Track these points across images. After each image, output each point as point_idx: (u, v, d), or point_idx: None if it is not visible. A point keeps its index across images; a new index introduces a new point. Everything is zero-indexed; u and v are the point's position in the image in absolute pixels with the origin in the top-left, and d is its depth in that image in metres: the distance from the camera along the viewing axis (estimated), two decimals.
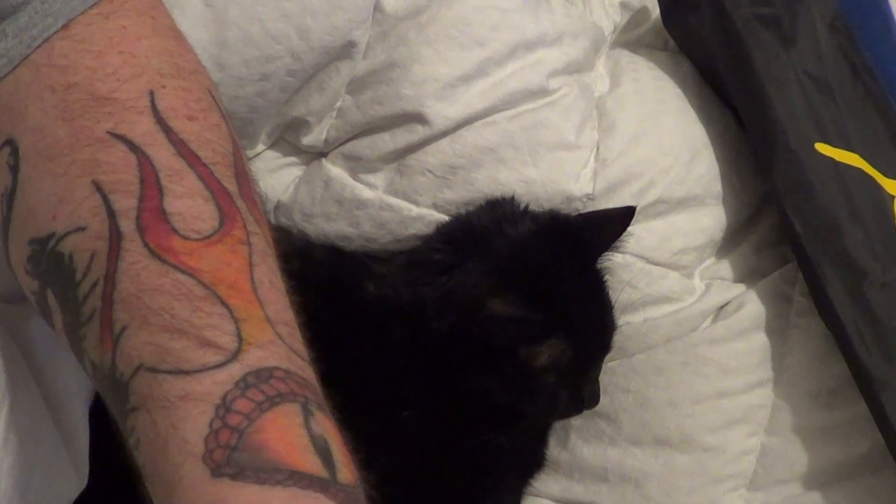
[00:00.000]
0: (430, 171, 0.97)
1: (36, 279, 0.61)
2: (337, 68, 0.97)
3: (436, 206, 0.98)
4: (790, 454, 0.99)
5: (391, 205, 0.98)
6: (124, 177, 0.58)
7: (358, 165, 0.99)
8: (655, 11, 1.19)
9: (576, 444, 1.04)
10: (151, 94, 0.61)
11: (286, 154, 1.03)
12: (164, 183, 0.59)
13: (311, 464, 0.54)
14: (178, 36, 0.66)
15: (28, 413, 0.73)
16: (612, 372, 1.02)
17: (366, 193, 0.98)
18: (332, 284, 0.95)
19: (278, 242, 0.66)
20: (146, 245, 0.57)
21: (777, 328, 1.02)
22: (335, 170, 1.00)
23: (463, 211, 0.98)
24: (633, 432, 1.01)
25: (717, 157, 1.06)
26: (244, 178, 0.63)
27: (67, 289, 0.59)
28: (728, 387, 1.00)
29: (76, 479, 0.80)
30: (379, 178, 0.99)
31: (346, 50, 0.96)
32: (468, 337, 0.89)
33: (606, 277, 0.97)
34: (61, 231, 0.59)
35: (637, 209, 0.97)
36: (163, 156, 0.59)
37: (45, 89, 0.60)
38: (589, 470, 1.03)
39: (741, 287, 1.05)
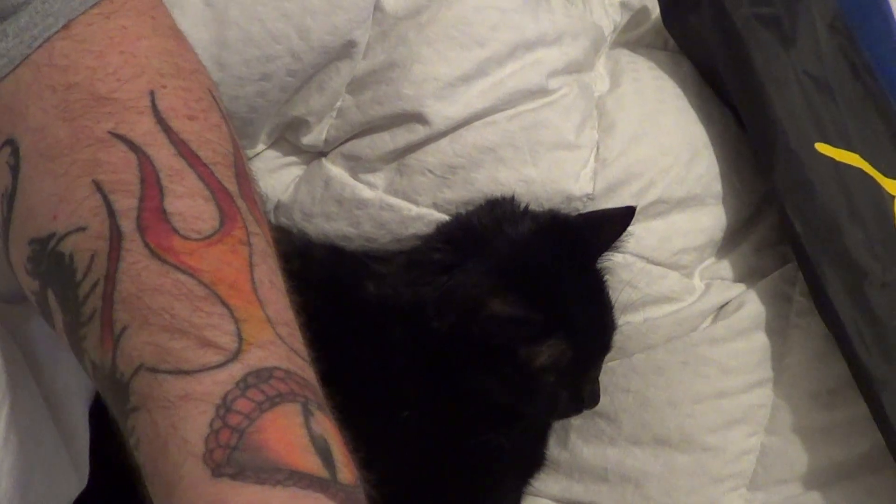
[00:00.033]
0: (430, 171, 0.97)
1: (36, 279, 0.61)
2: (337, 68, 0.97)
3: (436, 206, 0.98)
4: (790, 454, 0.99)
5: (391, 204, 0.98)
6: (125, 177, 0.58)
7: (358, 165, 0.99)
8: (655, 11, 1.19)
9: (576, 444, 1.04)
10: (152, 94, 0.61)
11: (286, 154, 1.03)
12: (165, 183, 0.59)
13: (311, 464, 0.54)
14: (178, 36, 0.66)
15: (28, 413, 0.73)
16: (612, 372, 1.02)
17: (366, 193, 0.98)
18: (332, 284, 0.95)
19: (278, 242, 0.66)
20: (147, 245, 0.57)
21: (777, 328, 1.02)
22: (335, 169, 1.00)
23: (463, 211, 0.98)
24: (633, 432, 1.01)
25: (717, 157, 1.06)
26: (244, 178, 0.63)
27: (68, 289, 0.59)
28: (728, 386, 1.00)
29: (76, 479, 0.80)
30: (379, 178, 0.99)
31: (346, 50, 0.96)
32: (468, 337, 0.89)
33: (606, 277, 0.97)
34: (62, 231, 0.59)
35: (637, 209, 0.97)
36: (163, 156, 0.59)
37: (46, 89, 0.60)
38: (589, 470, 1.03)
39: (741, 287, 1.05)
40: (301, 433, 0.55)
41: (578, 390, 0.94)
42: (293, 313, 0.62)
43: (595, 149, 1.01)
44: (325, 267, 0.98)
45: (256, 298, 0.59)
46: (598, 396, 0.96)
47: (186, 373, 0.55)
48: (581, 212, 1.00)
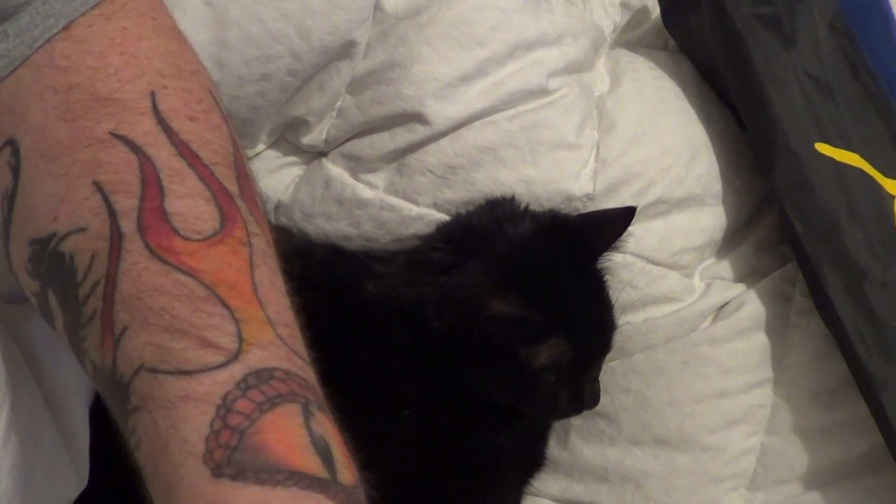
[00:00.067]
0: (430, 171, 0.97)
1: (37, 280, 0.61)
2: (337, 68, 0.97)
3: (436, 206, 0.98)
4: (790, 454, 0.99)
5: (391, 204, 0.98)
6: (125, 177, 0.58)
7: (358, 165, 0.99)
8: (655, 11, 1.20)
9: (576, 444, 1.04)
10: (152, 94, 0.61)
11: (286, 154, 1.03)
12: (165, 183, 0.59)
13: (311, 464, 0.54)
14: (179, 37, 0.66)
15: (28, 413, 0.73)
16: (612, 372, 1.02)
17: (366, 193, 0.98)
18: (332, 284, 0.95)
19: (279, 242, 0.66)
20: (147, 245, 0.57)
21: (777, 328, 1.02)
22: (335, 169, 1.00)
23: (463, 211, 0.98)
24: (633, 432, 1.01)
25: (717, 157, 1.06)
26: (245, 178, 0.63)
27: (68, 289, 0.59)
28: (728, 386, 1.00)
29: (76, 479, 0.80)
30: (379, 178, 0.99)
31: (346, 50, 0.96)
32: (468, 337, 0.89)
33: (606, 277, 0.97)
34: (62, 231, 0.59)
35: (637, 209, 0.97)
36: (164, 156, 0.59)
37: (47, 90, 0.60)
38: (589, 470, 1.03)
39: (741, 287, 1.05)
40: (301, 434, 0.55)
41: (578, 390, 0.94)
42: (293, 314, 0.62)
43: (595, 149, 1.01)
44: (325, 267, 0.98)
45: (257, 299, 0.59)
46: (598, 396, 0.96)
47: (187, 373, 0.55)
48: (581, 212, 1.00)
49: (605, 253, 0.96)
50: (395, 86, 0.96)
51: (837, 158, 0.98)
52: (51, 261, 0.60)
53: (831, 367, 0.98)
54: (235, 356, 0.56)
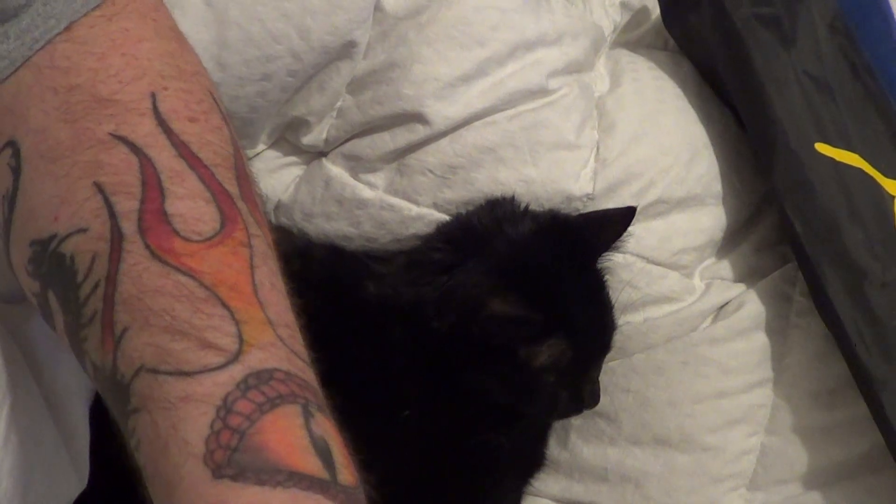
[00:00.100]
0: (430, 171, 0.97)
1: (37, 280, 0.61)
2: (337, 68, 0.97)
3: (436, 206, 0.98)
4: (790, 454, 0.99)
5: (391, 204, 0.98)
6: (126, 178, 0.58)
7: (358, 165, 0.99)
8: (655, 11, 1.20)
9: (576, 443, 1.04)
10: (153, 95, 0.61)
11: (286, 154, 1.03)
12: (166, 185, 0.59)
13: (311, 465, 0.55)
14: (179, 38, 0.66)
15: (28, 413, 0.73)
16: (612, 372, 1.02)
17: (366, 193, 0.98)
18: (332, 284, 0.95)
19: (279, 242, 0.66)
20: (147, 246, 0.57)
21: (777, 328, 1.02)
22: (335, 169, 1.00)
23: (463, 211, 0.98)
24: (633, 432, 1.01)
25: (717, 157, 1.06)
26: (245, 180, 0.63)
27: (69, 290, 0.59)
28: (728, 386, 1.00)
29: (76, 479, 0.80)
30: (379, 178, 0.99)
31: (346, 50, 0.96)
32: (468, 337, 0.89)
33: (606, 277, 0.97)
34: (63, 232, 0.59)
35: (637, 209, 0.97)
36: (164, 157, 0.59)
37: (47, 91, 0.60)
38: (589, 470, 1.03)
39: (741, 287, 1.05)
40: (301, 434, 0.55)
41: (578, 390, 0.94)
42: (294, 315, 0.62)
43: (595, 149, 1.01)
44: (325, 267, 0.98)
45: (257, 300, 0.59)
46: (598, 396, 0.96)
47: (187, 374, 0.55)
48: (581, 212, 1.00)
49: (605, 253, 0.96)
50: (396, 86, 0.96)
51: (837, 158, 0.98)
52: (51, 262, 0.60)
53: (831, 367, 0.98)
54: (236, 357, 0.56)
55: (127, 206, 0.58)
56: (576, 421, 1.03)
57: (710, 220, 1.05)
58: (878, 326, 0.92)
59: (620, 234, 0.96)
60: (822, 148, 0.98)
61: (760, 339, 1.01)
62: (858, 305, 0.93)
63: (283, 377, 0.57)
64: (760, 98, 0.99)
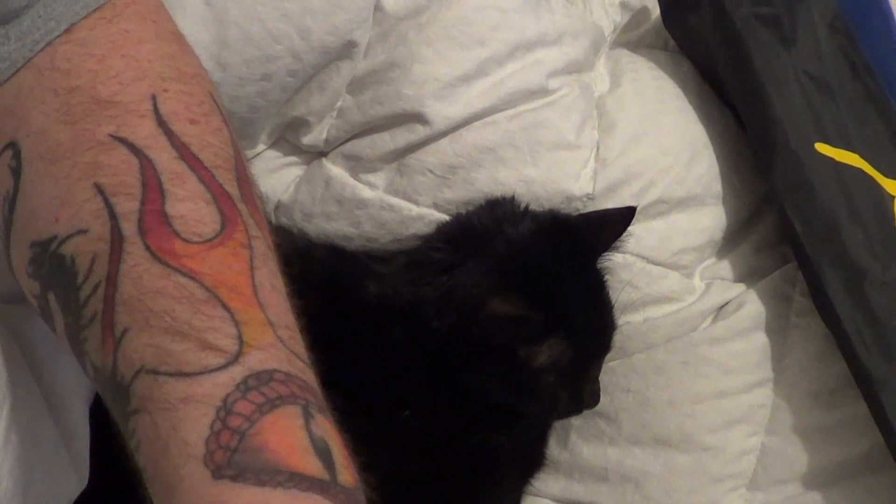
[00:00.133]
0: (430, 171, 0.97)
1: (37, 282, 0.61)
2: (337, 68, 0.97)
3: (436, 206, 0.98)
4: (790, 454, 0.99)
5: (391, 204, 0.98)
6: (126, 180, 0.58)
7: (358, 165, 0.99)
8: (655, 11, 1.20)
9: (576, 443, 1.04)
10: (153, 97, 0.61)
11: (287, 154, 1.03)
12: (166, 186, 0.59)
13: (311, 465, 0.55)
14: (179, 40, 0.66)
15: (28, 413, 0.73)
16: (612, 372, 1.02)
17: (366, 193, 0.98)
18: (332, 284, 0.95)
19: (279, 242, 0.66)
20: (148, 248, 0.57)
21: (777, 328, 1.02)
22: (335, 169, 1.00)
23: (463, 210, 0.98)
24: (633, 432, 1.02)
25: (717, 157, 1.06)
26: (245, 181, 0.63)
27: (69, 291, 0.59)
28: (728, 386, 1.00)
29: (76, 479, 0.80)
30: (379, 178, 0.99)
31: (346, 50, 0.96)
32: (468, 336, 0.89)
33: (606, 277, 0.97)
34: (63, 234, 0.59)
35: (637, 209, 0.97)
36: (164, 159, 0.59)
37: (48, 92, 0.60)
38: (589, 470, 1.03)
39: (741, 287, 1.05)
40: (301, 435, 0.56)
41: (578, 390, 0.95)
42: (294, 316, 0.62)
43: (595, 149, 1.01)
44: (325, 267, 0.98)
45: (257, 301, 0.59)
46: (598, 396, 0.96)
47: (187, 375, 0.56)
48: (581, 212, 1.00)
49: (605, 253, 0.97)
50: (396, 86, 0.96)
51: (837, 158, 0.98)
52: (51, 263, 0.60)
53: (831, 367, 0.98)
54: (236, 358, 0.56)
55: (127, 207, 0.58)
56: (576, 421, 1.03)
57: (710, 220, 1.05)
58: (878, 326, 0.93)
59: (620, 234, 0.96)
60: (822, 148, 0.98)
61: (760, 339, 1.01)
62: (858, 305, 0.94)
63: (283, 378, 0.57)
64: (760, 98, 0.99)
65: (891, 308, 0.93)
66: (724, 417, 1.00)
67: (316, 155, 1.02)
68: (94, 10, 0.61)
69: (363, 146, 0.98)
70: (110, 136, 0.59)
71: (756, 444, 1.00)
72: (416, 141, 0.96)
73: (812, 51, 1.02)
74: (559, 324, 0.90)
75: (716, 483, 0.99)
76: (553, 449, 1.04)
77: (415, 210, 0.98)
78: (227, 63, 0.91)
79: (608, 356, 0.98)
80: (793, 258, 1.01)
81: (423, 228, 0.98)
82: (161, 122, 0.60)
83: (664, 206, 1.02)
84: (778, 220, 1.06)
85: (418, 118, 0.96)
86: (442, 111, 0.96)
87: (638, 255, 1.01)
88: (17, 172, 0.61)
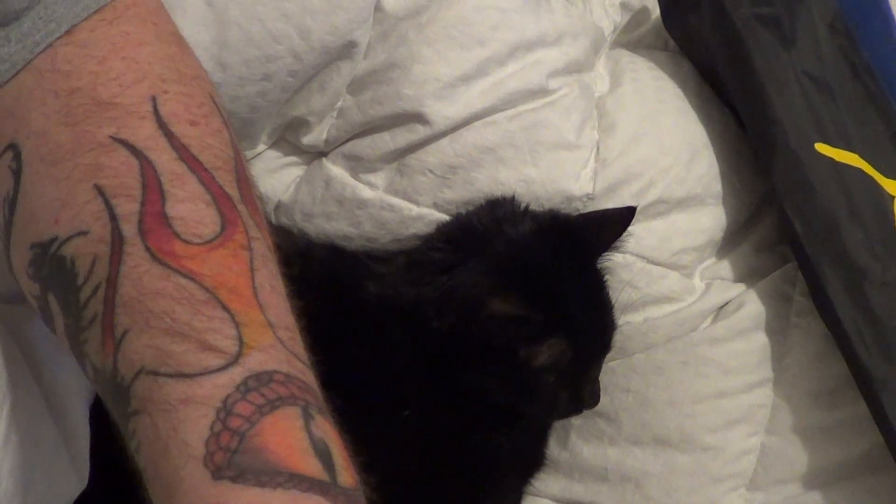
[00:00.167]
0: (430, 171, 0.97)
1: (37, 283, 0.61)
2: (338, 68, 0.97)
3: (436, 206, 0.98)
4: (790, 454, 0.99)
5: (392, 204, 0.98)
6: (126, 181, 0.59)
7: (358, 165, 0.99)
8: (655, 11, 1.20)
9: (576, 443, 1.04)
10: (153, 99, 0.61)
11: (287, 154, 1.03)
12: (166, 187, 0.59)
13: (311, 466, 0.55)
14: (179, 42, 0.66)
15: (28, 413, 0.73)
16: (612, 372, 1.02)
17: (366, 193, 0.98)
18: (332, 284, 0.95)
19: (279, 242, 0.66)
20: (148, 249, 0.57)
21: (777, 328, 1.02)
22: (336, 169, 1.00)
23: (463, 210, 0.98)
24: (633, 432, 1.02)
25: (717, 157, 1.06)
26: (245, 183, 0.64)
27: (69, 293, 0.59)
28: (728, 387, 1.00)
29: (76, 479, 0.80)
30: (379, 178, 0.99)
31: (346, 50, 0.96)
32: (468, 336, 0.89)
33: (606, 277, 0.97)
34: (63, 235, 0.59)
35: (637, 209, 0.97)
36: (165, 160, 0.59)
37: (48, 94, 0.60)
38: (589, 470, 1.03)
39: (741, 287, 1.05)
40: (301, 436, 0.56)
41: (578, 390, 0.95)
42: (294, 317, 0.62)
43: (595, 149, 1.01)
44: (325, 267, 0.98)
45: (257, 302, 0.59)
46: (599, 396, 0.96)
47: (187, 376, 0.56)
48: (581, 212, 1.00)
49: (605, 253, 0.97)
50: (396, 86, 0.96)
51: (837, 158, 0.98)
52: (52, 264, 0.60)
53: (831, 367, 0.98)
54: (236, 359, 0.56)
55: (127, 208, 0.58)
56: (576, 421, 1.03)
57: (710, 220, 1.05)
58: (878, 326, 0.93)
59: (620, 234, 0.96)
60: (821, 148, 0.98)
61: (760, 339, 1.01)
62: (858, 305, 0.94)
63: (283, 379, 0.57)
64: (760, 98, 0.99)
65: (891, 308, 0.93)
66: (724, 417, 1.00)
67: (316, 155, 1.02)
68: (95, 12, 0.62)
69: (363, 146, 0.98)
70: (110, 137, 0.59)
71: (756, 444, 1.00)
72: (416, 141, 0.96)
73: (812, 51, 1.02)
74: (559, 324, 0.90)
75: (716, 483, 1.00)
76: (553, 449, 1.04)
77: (415, 210, 0.98)
78: (227, 63, 0.91)
79: (608, 356, 0.98)
80: (793, 258, 1.01)
81: (424, 228, 0.98)
82: (161, 124, 0.60)
83: (664, 206, 1.02)
84: (778, 220, 1.06)
85: (418, 118, 0.96)
86: (442, 111, 0.96)
87: (638, 255, 1.01)
88: (17, 174, 0.61)
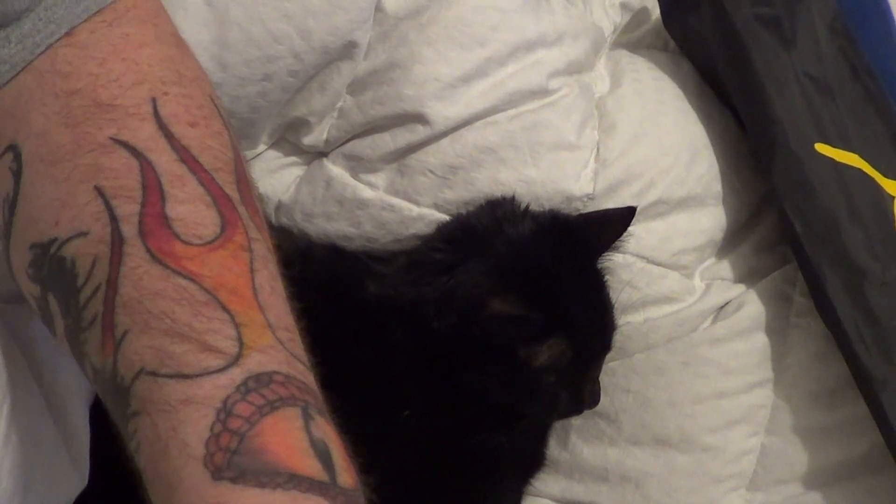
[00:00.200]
0: (430, 171, 0.97)
1: (37, 284, 0.61)
2: (338, 68, 0.97)
3: (436, 206, 0.98)
4: (790, 454, 0.99)
5: (392, 205, 0.98)
6: (126, 182, 0.59)
7: (359, 165, 0.99)
8: (655, 12, 1.20)
9: (576, 444, 1.04)
10: (154, 100, 0.61)
11: (287, 154, 1.03)
12: (167, 188, 0.59)
13: (311, 467, 0.55)
14: (180, 43, 0.66)
15: (28, 413, 0.74)
16: (612, 372, 1.02)
17: (367, 193, 0.98)
18: (332, 284, 0.95)
19: (279, 243, 0.66)
20: (148, 250, 0.58)
21: (777, 328, 1.02)
22: (336, 170, 1.00)
23: (463, 211, 0.98)
24: (633, 432, 1.01)
25: (717, 157, 1.06)
26: (245, 184, 0.64)
27: (69, 294, 0.59)
28: (728, 387, 1.00)
29: (76, 479, 0.80)
30: (380, 178, 0.99)
31: (347, 50, 0.96)
32: (468, 337, 0.89)
33: (606, 277, 0.97)
34: (63, 236, 0.59)
35: (637, 209, 0.97)
36: (165, 161, 0.60)
37: (49, 95, 0.60)
38: (589, 470, 1.03)
39: (741, 287, 1.05)
40: (301, 437, 0.56)
41: (578, 390, 0.94)
42: (293, 318, 0.62)
43: (595, 149, 1.01)
44: (325, 267, 0.98)
45: (257, 303, 0.59)
46: (599, 396, 0.96)
47: (187, 377, 0.56)
48: (581, 212, 1.00)
49: (606, 253, 0.97)
50: (396, 86, 0.96)
51: (837, 159, 0.98)
52: (52, 265, 0.60)
53: (831, 367, 0.98)
54: (236, 360, 0.56)
55: (127, 209, 0.58)
56: (576, 421, 1.03)
57: (710, 220, 1.05)
58: (878, 326, 0.93)
59: (620, 234, 0.96)
60: (821, 148, 0.98)
61: (760, 340, 1.01)
62: (858, 305, 0.94)
63: (283, 380, 0.57)
64: (760, 98, 0.99)
65: (891, 308, 0.93)
66: (724, 418, 1.00)
67: (316, 155, 1.02)
68: (95, 14, 0.62)
69: (364, 146, 0.98)
70: (111, 138, 0.59)
71: (756, 444, 1.00)
72: (416, 141, 0.96)
73: (812, 51, 1.02)
74: (559, 324, 0.90)
75: (716, 483, 1.00)
76: (553, 449, 1.04)
77: (415, 210, 0.98)
78: (227, 63, 0.91)
79: (608, 356, 0.98)
80: (793, 258, 1.01)
81: (424, 229, 0.98)
82: (161, 125, 0.60)
83: (664, 207, 1.02)
84: (778, 220, 1.06)
85: (419, 118, 0.96)
86: (442, 111, 0.96)
87: (638, 256, 1.01)
88: (17, 175, 0.61)
